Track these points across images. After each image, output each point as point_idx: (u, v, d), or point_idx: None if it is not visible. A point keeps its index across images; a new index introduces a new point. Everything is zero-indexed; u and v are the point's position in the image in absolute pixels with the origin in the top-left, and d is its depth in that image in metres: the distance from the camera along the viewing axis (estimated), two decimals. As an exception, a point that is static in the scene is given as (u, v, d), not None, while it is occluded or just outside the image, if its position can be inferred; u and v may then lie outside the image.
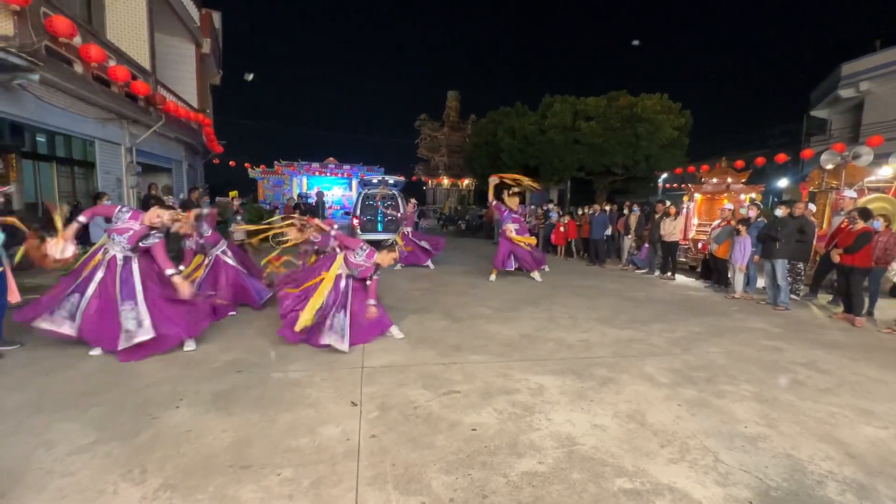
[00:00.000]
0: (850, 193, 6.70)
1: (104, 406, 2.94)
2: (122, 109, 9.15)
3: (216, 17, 17.27)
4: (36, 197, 9.86)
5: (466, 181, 26.49)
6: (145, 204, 10.53)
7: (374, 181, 13.06)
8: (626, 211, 10.62)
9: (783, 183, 17.06)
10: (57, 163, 10.43)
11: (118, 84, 8.97)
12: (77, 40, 7.47)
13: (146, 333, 3.67)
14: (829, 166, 8.34)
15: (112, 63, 8.65)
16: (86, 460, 2.35)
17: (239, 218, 10.27)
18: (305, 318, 4.00)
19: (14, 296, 3.91)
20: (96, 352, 3.83)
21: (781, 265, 6.30)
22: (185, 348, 3.99)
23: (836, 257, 5.88)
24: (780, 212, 6.58)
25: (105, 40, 8.95)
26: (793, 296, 6.74)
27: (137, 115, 9.82)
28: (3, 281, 3.85)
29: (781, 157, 11.20)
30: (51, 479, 2.19)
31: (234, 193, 11.79)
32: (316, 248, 5.56)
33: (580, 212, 12.47)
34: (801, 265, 7.03)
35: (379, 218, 12.46)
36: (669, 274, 8.72)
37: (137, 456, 2.40)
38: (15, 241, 7.05)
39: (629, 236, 10.28)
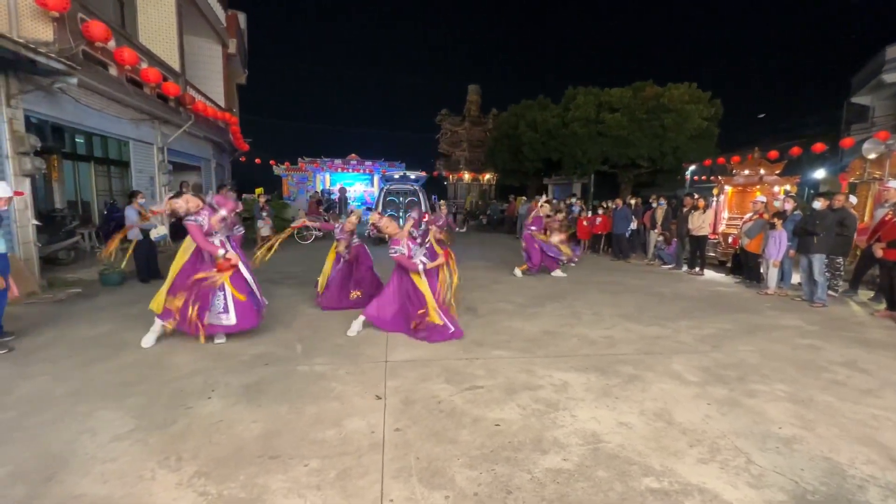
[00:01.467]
0: (895, 184, 6.33)
1: (141, 396, 3.07)
2: (154, 110, 9.46)
3: (241, 18, 17.62)
4: (76, 195, 10.36)
5: (488, 176, 26.31)
6: (176, 201, 10.91)
7: (396, 177, 13.15)
8: (653, 204, 10.37)
9: (821, 174, 16.27)
10: (94, 162, 10.92)
11: (150, 85, 9.27)
12: (112, 44, 7.75)
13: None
14: (872, 156, 7.91)
15: (144, 65, 8.94)
16: (125, 447, 2.46)
17: (265, 214, 10.55)
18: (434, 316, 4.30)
19: (13, 292, 4.16)
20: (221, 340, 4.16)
21: (819, 260, 6.02)
22: (216, 340, 4.13)
23: (878, 252, 5.59)
24: (819, 204, 6.28)
25: (137, 43, 9.26)
26: (831, 292, 6.45)
27: (168, 115, 10.15)
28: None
29: (819, 147, 10.71)
30: (94, 464, 2.31)
31: (259, 190, 12.10)
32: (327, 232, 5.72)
33: (604, 205, 12.23)
34: (839, 260, 6.71)
35: (401, 213, 12.54)
36: (698, 269, 8.48)
37: (173, 444, 2.50)
38: (57, 238, 7.42)
39: (655, 230, 10.03)
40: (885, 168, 7.61)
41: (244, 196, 15.53)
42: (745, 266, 7.65)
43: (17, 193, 4.27)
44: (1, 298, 3.97)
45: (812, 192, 15.34)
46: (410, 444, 2.54)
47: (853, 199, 7.25)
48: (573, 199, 13.93)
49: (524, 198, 16.86)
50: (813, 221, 6.10)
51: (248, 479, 2.20)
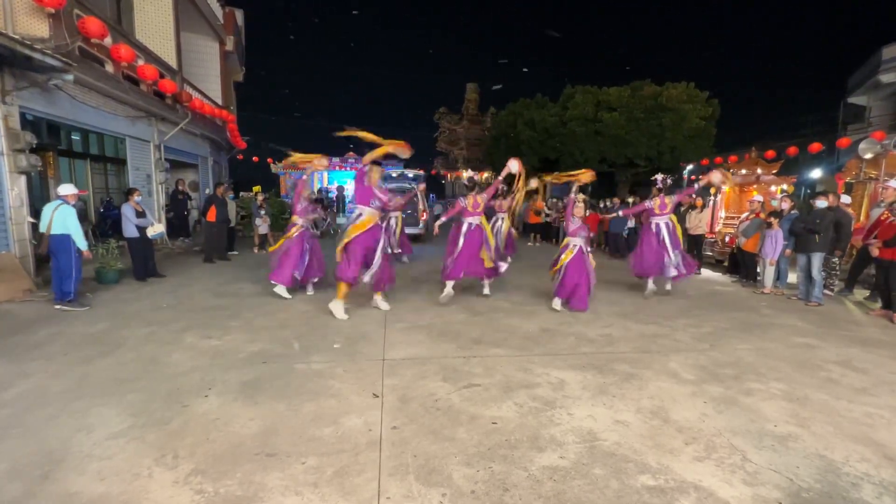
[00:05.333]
0: (893, 184, 6.35)
1: (139, 393, 3.06)
2: (150, 107, 9.41)
3: (239, 15, 17.54)
4: (72, 193, 10.28)
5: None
6: (173, 199, 10.88)
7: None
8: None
9: (817, 174, 16.33)
10: (91, 160, 10.86)
11: (147, 83, 9.22)
12: (108, 41, 7.70)
13: None
14: (868, 156, 7.97)
15: (141, 62, 8.88)
16: (122, 444, 2.46)
17: (262, 212, 10.52)
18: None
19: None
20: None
21: (819, 258, 6.07)
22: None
23: (874, 251, 5.62)
24: (823, 202, 6.28)
25: (134, 40, 9.20)
26: (826, 291, 6.48)
27: (165, 112, 10.10)
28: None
29: (815, 147, 10.75)
30: (90, 461, 2.31)
31: (257, 189, 12.07)
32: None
33: (601, 205, 12.27)
34: (835, 259, 6.75)
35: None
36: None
37: (170, 442, 2.49)
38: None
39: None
40: (881, 168, 7.66)
41: (241, 194, 15.47)
42: (742, 265, 7.68)
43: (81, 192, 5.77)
44: (78, 272, 5.20)
45: (809, 191, 15.40)
46: (407, 441, 2.54)
47: (845, 199, 7.28)
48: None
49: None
50: (814, 220, 6.12)
51: (245, 477, 2.20)
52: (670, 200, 6.30)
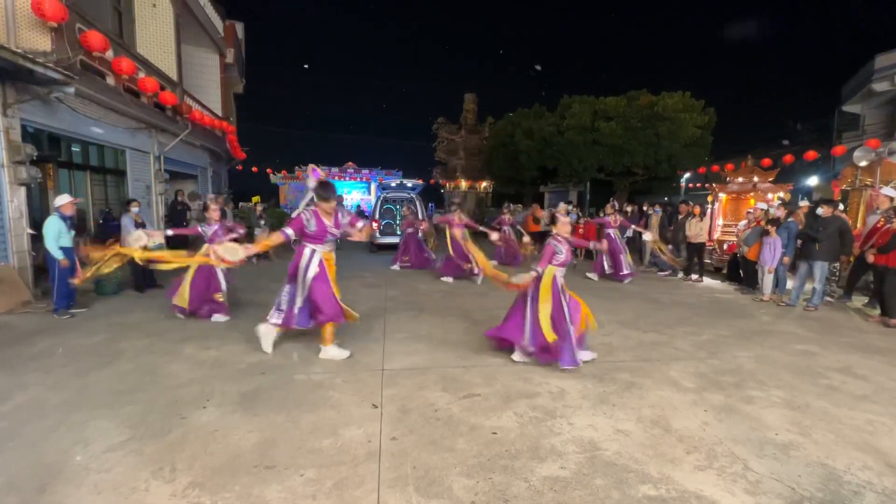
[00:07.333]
0: (888, 192, 6.40)
1: (137, 405, 3.05)
2: (151, 119, 9.47)
3: (239, 28, 17.76)
4: (71, 204, 10.29)
5: (484, 184, 26.42)
6: (172, 209, 10.90)
7: (393, 185, 13.20)
8: (649, 211, 10.44)
9: (813, 181, 16.43)
10: (90, 171, 10.89)
11: (147, 95, 9.30)
12: (109, 54, 7.78)
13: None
14: (863, 163, 8.03)
15: (142, 75, 8.97)
16: (119, 457, 2.44)
17: (262, 223, 10.54)
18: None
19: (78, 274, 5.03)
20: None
21: (820, 267, 6.09)
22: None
23: (870, 257, 5.65)
24: (822, 211, 6.32)
25: (135, 53, 9.29)
26: (827, 298, 6.49)
27: (165, 124, 10.16)
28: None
29: (811, 155, 10.84)
30: (87, 474, 2.29)
31: (256, 199, 12.12)
32: None
33: (600, 214, 12.31)
34: (835, 266, 6.78)
35: (397, 222, 12.58)
36: (696, 276, 8.50)
37: (168, 454, 2.47)
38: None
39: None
40: (876, 175, 7.72)
41: (241, 205, 15.54)
42: (744, 273, 7.68)
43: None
44: (62, 281, 5.17)
45: (805, 199, 15.47)
46: (407, 452, 2.52)
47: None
48: (569, 207, 13.99)
49: (520, 206, 16.95)
50: (817, 228, 6.15)
51: (244, 490, 2.18)
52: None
